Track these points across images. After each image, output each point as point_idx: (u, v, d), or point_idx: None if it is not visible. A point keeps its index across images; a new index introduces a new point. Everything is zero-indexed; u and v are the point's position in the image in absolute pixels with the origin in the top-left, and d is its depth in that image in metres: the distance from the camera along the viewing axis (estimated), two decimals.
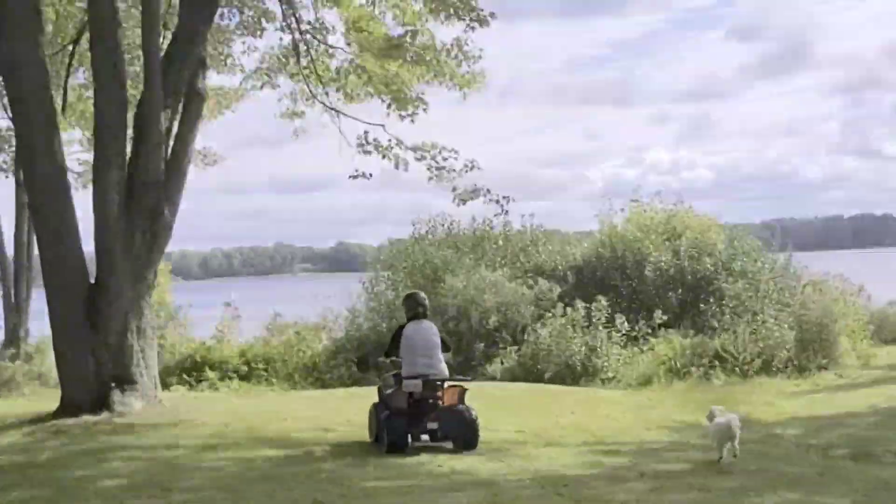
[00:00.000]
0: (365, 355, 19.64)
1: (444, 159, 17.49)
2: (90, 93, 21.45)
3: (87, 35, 17.33)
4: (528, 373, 23.11)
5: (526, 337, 24.23)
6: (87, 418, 15.30)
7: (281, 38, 18.80)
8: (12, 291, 24.95)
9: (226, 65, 19.40)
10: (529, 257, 28.48)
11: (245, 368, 25.71)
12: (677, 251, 27.14)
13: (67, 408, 15.84)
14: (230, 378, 25.12)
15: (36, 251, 25.23)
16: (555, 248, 29.04)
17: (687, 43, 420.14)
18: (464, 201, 17.43)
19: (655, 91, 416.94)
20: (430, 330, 13.56)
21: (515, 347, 24.24)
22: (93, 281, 16.17)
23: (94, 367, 15.85)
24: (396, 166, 18.03)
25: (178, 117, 16.61)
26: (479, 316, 25.20)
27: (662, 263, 26.85)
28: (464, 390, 13.47)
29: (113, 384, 15.83)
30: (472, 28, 16.89)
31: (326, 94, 18.37)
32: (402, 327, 13.69)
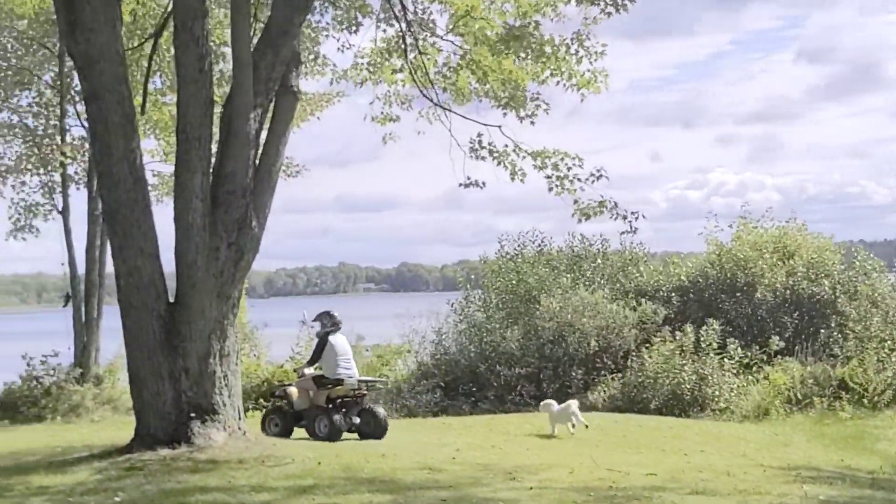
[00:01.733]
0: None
1: (568, 168, 15.66)
2: (166, 98, 20.20)
3: (168, 30, 15.90)
4: (632, 402, 21.72)
5: (629, 363, 22.70)
6: (165, 452, 13.83)
7: (385, 31, 17.12)
8: (83, 309, 23.52)
9: (315, 64, 17.81)
10: (630, 278, 26.62)
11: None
12: (792, 272, 25.21)
13: (143, 439, 14.40)
14: None
15: (109, 268, 24.30)
16: (657, 268, 27.16)
17: (754, 64, 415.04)
18: (587, 216, 15.59)
19: (721, 113, 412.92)
20: (346, 341, 17.39)
21: (618, 374, 22.56)
22: (172, 299, 14.64)
23: (173, 395, 14.34)
24: (512, 176, 16.25)
25: (267, 118, 14.98)
26: (577, 340, 23.51)
27: (778, 285, 24.91)
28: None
29: (192, 414, 14.32)
30: (609, 14, 15.09)
31: (436, 92, 16.65)
32: (326, 338, 16.95)
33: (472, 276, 28.85)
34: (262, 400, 23.14)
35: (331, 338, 16.98)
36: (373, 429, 16.58)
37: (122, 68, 14.14)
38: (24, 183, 24.28)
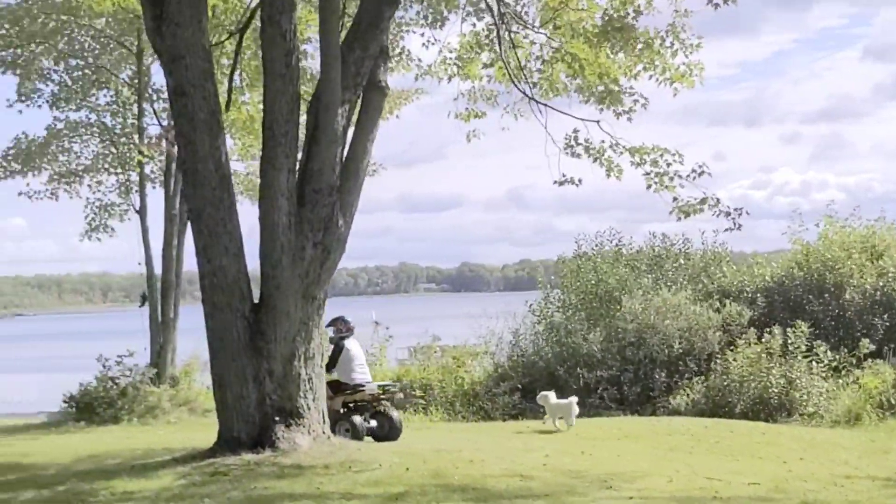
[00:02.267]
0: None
1: (668, 164, 15.11)
2: (244, 97, 19.91)
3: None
4: (717, 406, 21.04)
5: (713, 366, 22.07)
6: (249, 456, 13.51)
7: (474, 24, 16.64)
8: (159, 310, 23.35)
9: (400, 60, 17.42)
10: (713, 278, 25.95)
11: (400, 395, 23.80)
12: (882, 272, 24.41)
13: (226, 442, 14.07)
14: None
15: (185, 268, 24.15)
16: (740, 268, 26.46)
17: (820, 63, 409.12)
18: (686, 214, 15.01)
19: (786, 111, 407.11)
20: (360, 346, 17.66)
21: (701, 378, 21.92)
22: (257, 300, 14.28)
23: (257, 398, 14.00)
24: (609, 173, 15.73)
25: (354, 114, 14.62)
26: (659, 342, 22.92)
27: (867, 286, 24.11)
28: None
29: (277, 417, 13.99)
30: (717, 5, 14.51)
31: (529, 87, 16.15)
32: (341, 343, 17.17)
33: (552, 276, 28.29)
34: None
35: (346, 343, 17.17)
36: (387, 432, 16.74)
37: (207, 64, 13.84)
38: (100, 182, 24.24)
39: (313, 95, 14.45)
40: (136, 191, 24.05)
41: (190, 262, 22.87)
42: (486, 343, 26.07)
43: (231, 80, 16.06)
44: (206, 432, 17.52)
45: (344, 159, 14.42)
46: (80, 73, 23.64)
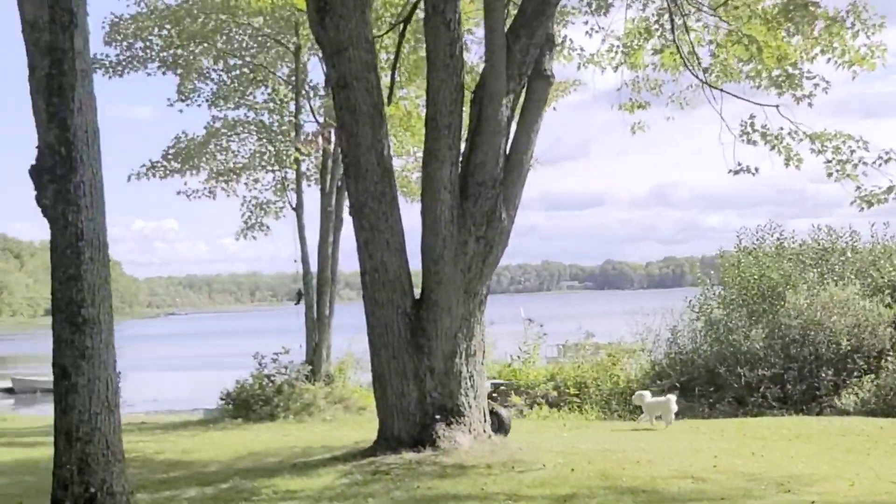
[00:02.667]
0: None
1: (851, 151, 14.32)
2: (402, 92, 19.72)
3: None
4: (888, 406, 19.97)
5: (883, 364, 21.11)
6: (409, 455, 13.30)
7: (643, 9, 16.06)
8: (315, 307, 23.34)
9: (561, 50, 16.95)
10: (882, 272, 24.74)
11: (555, 393, 23.40)
12: None
13: (386, 441, 13.87)
14: (538, 405, 22.78)
15: (340, 266, 24.12)
16: None
17: None
18: (869, 204, 14.19)
19: None
20: None
21: (871, 376, 20.97)
22: (418, 296, 14.04)
23: (417, 395, 13.80)
24: (787, 161, 14.99)
25: (518, 105, 14.24)
26: (825, 339, 21.98)
27: None
28: None
29: (437, 416, 13.75)
30: None
31: (702, 72, 15.53)
32: None
33: (712, 272, 27.44)
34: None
35: None
36: (496, 429, 15.83)
37: (370, 56, 13.64)
38: (256, 181, 24.38)
39: (477, 85, 14.14)
40: (292, 188, 24.06)
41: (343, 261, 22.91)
42: (643, 340, 25.41)
43: (394, 71, 15.86)
44: (361, 430, 17.44)
45: (507, 151, 14.04)
46: (238, 71, 23.85)
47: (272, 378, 22.01)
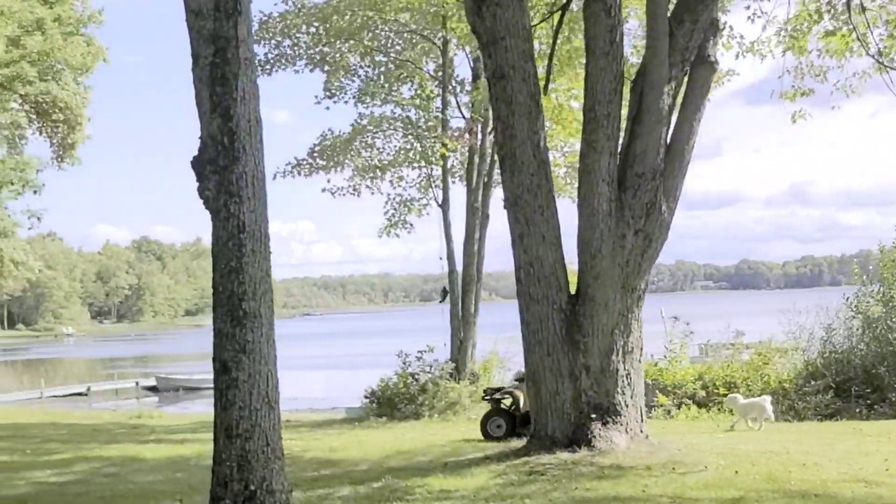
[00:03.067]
0: None
1: None
2: (551, 84, 19.25)
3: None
4: None
5: None
6: (564, 455, 12.88)
7: None
8: (460, 305, 23.07)
9: (721, 37, 16.24)
10: None
11: (703, 393, 22.63)
12: None
13: (540, 440, 13.47)
14: (685, 405, 22.06)
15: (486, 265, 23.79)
16: None
17: None
18: None
19: None
20: None
21: None
22: (573, 291, 13.56)
23: (573, 394, 13.37)
24: None
25: (679, 93, 13.68)
26: None
27: None
28: None
29: (593, 415, 13.29)
30: None
31: (880, 53, 14.69)
32: None
33: (870, 268, 26.24)
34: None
35: None
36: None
37: (528, 44, 13.28)
38: (401, 178, 24.23)
39: (637, 73, 13.65)
40: (437, 185, 23.85)
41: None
42: (797, 339, 24.43)
43: (550, 61, 15.45)
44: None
45: (668, 141, 13.50)
46: (384, 68, 23.72)
47: (416, 376, 21.82)
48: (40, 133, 27.90)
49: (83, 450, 17.41)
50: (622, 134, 13.54)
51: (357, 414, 22.81)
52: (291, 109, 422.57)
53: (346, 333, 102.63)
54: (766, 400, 17.37)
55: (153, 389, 53.58)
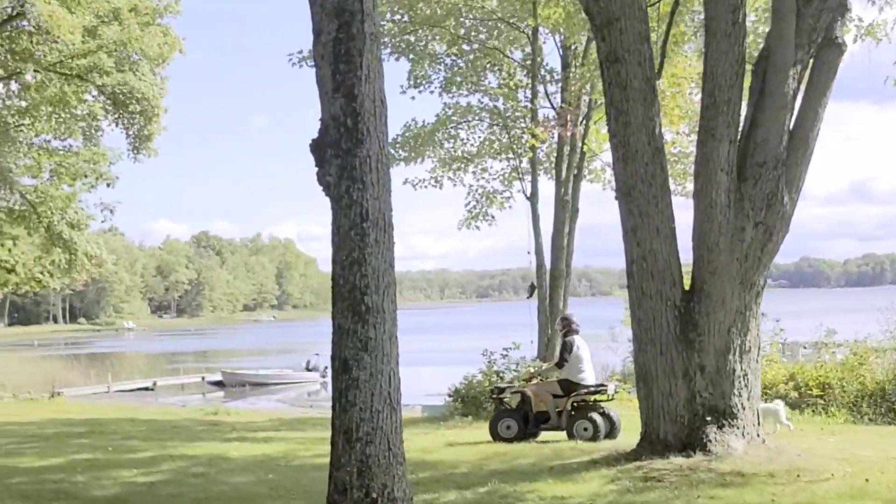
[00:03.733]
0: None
1: None
2: None
3: None
4: None
5: None
6: (679, 460, 12.17)
7: None
8: (547, 301, 22.38)
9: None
10: None
11: (795, 394, 21.82)
12: None
13: (651, 444, 12.77)
14: None
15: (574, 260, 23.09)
16: None
17: None
18: None
19: None
20: (587, 346, 16.85)
21: None
22: (687, 286, 12.86)
23: (686, 395, 12.64)
24: None
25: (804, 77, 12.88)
26: None
27: None
28: None
29: (708, 417, 12.53)
30: None
31: None
32: (571, 341, 16.49)
33: None
34: None
35: (577, 339, 16.68)
36: (609, 431, 16.14)
37: (644, 26, 12.58)
38: (485, 170, 23.59)
39: (759, 55, 12.87)
40: (520, 177, 23.23)
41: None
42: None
43: (664, 44, 14.71)
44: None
45: (791, 128, 12.72)
46: (472, 56, 23.05)
47: (502, 374, 21.15)
48: (116, 124, 27.64)
49: (166, 448, 16.99)
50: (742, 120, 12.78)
51: (438, 412, 22.23)
52: None
53: (410, 329, 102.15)
54: (780, 405, 16.56)
55: (219, 385, 53.42)
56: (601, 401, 16.52)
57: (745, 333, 12.78)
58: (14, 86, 29.39)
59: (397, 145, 22.92)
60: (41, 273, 31.98)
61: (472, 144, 23.43)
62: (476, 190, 23.63)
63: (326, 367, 55.33)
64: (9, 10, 28.11)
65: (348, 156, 8.12)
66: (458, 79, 22.67)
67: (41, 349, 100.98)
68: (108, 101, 26.82)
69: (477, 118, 23.08)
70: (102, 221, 29.91)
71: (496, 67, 22.77)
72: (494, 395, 17.17)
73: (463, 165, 23.45)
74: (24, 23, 27.88)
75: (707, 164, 12.54)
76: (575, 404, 16.32)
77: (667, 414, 12.69)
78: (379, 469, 8.24)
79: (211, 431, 20.49)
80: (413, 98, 22.57)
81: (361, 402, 8.20)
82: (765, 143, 12.43)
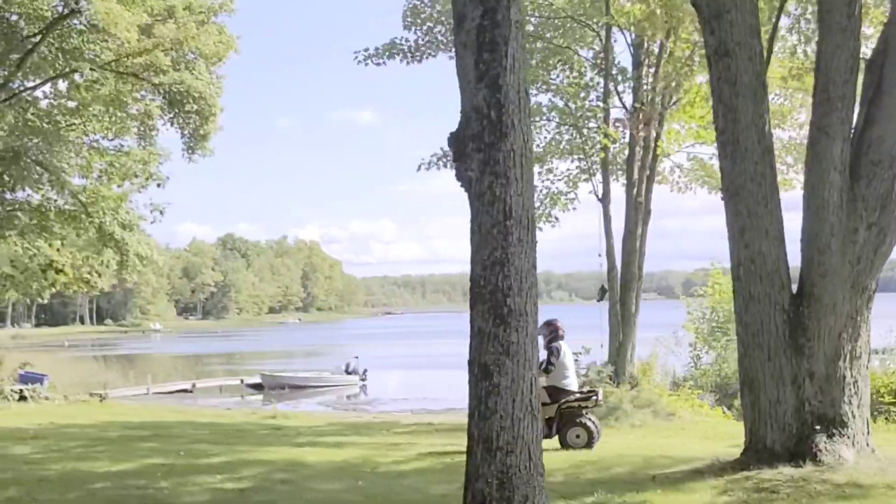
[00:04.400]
0: None
1: None
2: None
3: None
4: None
5: None
6: (788, 471, 11.65)
7: None
8: (618, 304, 21.92)
9: None
10: None
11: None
12: None
13: (757, 453, 12.29)
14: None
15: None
16: None
17: None
18: None
19: None
20: (571, 352, 16.90)
21: None
22: (795, 289, 12.43)
23: (795, 402, 12.17)
24: None
25: None
26: None
27: None
28: None
29: (817, 426, 12.05)
30: None
31: None
32: (556, 346, 16.19)
33: None
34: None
35: (563, 344, 16.44)
36: (587, 442, 15.96)
37: (755, 19, 12.15)
38: (550, 170, 23.13)
39: (876, 49, 12.43)
40: (591, 177, 22.70)
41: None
42: None
43: (772, 37, 14.24)
44: (679, 438, 16.16)
45: None
46: (540, 55, 22.57)
47: None
48: (171, 124, 27.35)
49: (237, 452, 16.62)
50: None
51: None
52: (375, 110, 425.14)
53: (440, 333, 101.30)
54: None
55: (257, 387, 53.02)
56: (586, 407, 16.15)
57: (855, 339, 12.33)
58: (62, 84, 29.18)
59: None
60: (89, 273, 31.73)
61: (537, 145, 22.95)
62: (540, 191, 23.16)
63: (366, 370, 55.31)
64: (59, 7, 27.92)
65: (491, 149, 7.72)
66: (529, 77, 22.14)
67: (71, 350, 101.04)
68: (164, 100, 26.54)
69: (545, 118, 22.59)
70: (152, 222, 29.58)
71: (566, 66, 22.24)
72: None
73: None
74: (76, 21, 27.70)
75: (819, 162, 12.10)
76: (562, 411, 15.98)
77: (774, 422, 12.24)
78: (520, 480, 7.85)
79: (276, 436, 20.13)
80: None
81: (502, 410, 7.81)
82: (880, 141, 11.98)
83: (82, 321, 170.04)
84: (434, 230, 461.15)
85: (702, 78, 19.43)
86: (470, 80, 7.78)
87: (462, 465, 14.02)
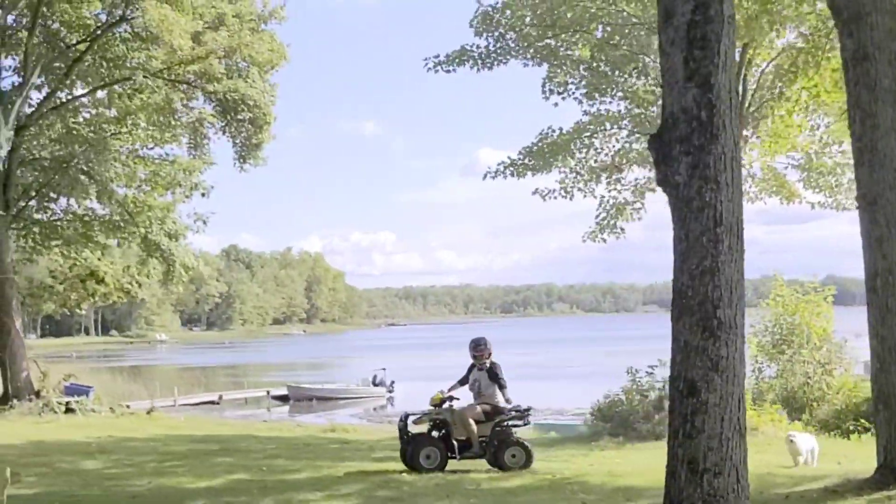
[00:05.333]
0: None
1: None
2: None
3: None
4: None
5: None
6: None
7: None
8: None
9: None
10: None
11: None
12: None
13: (892, 471, 11.83)
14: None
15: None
16: None
17: None
18: None
19: None
20: None
21: None
22: None
23: None
24: None
25: None
26: None
27: None
28: None
29: None
30: None
31: None
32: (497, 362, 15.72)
33: None
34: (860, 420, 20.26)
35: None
36: (524, 463, 15.21)
37: (895, 22, 11.67)
38: (619, 180, 22.66)
39: None
40: (654, 189, 22.20)
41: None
42: None
43: None
44: (774, 454, 15.69)
45: None
46: (613, 61, 22.07)
47: (645, 393, 20.24)
48: (223, 132, 26.90)
49: (319, 468, 16.20)
50: None
51: (573, 432, 21.41)
52: (378, 121, 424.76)
53: (450, 344, 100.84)
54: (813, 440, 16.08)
55: (283, 399, 52.55)
56: (517, 426, 15.57)
57: None
58: (100, 93, 28.71)
59: (533, 152, 22.00)
60: (129, 283, 31.27)
61: (605, 154, 22.52)
62: (607, 201, 22.72)
63: (393, 382, 54.74)
64: (103, 16, 27.54)
65: (701, 152, 7.28)
66: (603, 85, 21.67)
67: (80, 361, 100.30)
68: (217, 108, 26.09)
69: (616, 126, 22.15)
70: (196, 232, 29.12)
71: (642, 74, 21.73)
72: (402, 422, 15.76)
73: (596, 176, 22.51)
74: (120, 29, 27.31)
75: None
76: (495, 430, 15.28)
77: None
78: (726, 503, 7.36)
79: (348, 450, 19.66)
80: (556, 105, 21.66)
81: (710, 429, 7.35)
82: None
83: (87, 332, 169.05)
84: (436, 241, 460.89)
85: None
86: (678, 79, 7.34)
87: (568, 484, 13.64)
